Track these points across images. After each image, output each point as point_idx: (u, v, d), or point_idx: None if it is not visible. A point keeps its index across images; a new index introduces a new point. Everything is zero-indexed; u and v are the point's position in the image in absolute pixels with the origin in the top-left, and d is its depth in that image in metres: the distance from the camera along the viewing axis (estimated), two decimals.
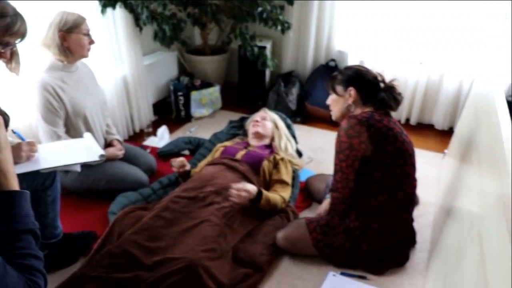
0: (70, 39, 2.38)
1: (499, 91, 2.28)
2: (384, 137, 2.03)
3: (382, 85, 2.19)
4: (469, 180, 1.99)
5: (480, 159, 1.90)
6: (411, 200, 2.21)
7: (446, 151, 3.29)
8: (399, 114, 3.95)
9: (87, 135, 2.17)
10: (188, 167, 2.64)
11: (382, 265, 2.19)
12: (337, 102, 2.24)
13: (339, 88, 2.22)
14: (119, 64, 3.36)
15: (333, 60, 4.09)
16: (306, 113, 3.96)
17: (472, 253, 1.40)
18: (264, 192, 2.35)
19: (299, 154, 3.10)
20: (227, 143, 2.88)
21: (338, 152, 2.11)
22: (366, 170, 2.07)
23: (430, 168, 3.22)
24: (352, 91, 2.17)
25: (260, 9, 3.58)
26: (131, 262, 1.96)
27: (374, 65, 3.82)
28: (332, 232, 2.18)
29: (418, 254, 2.36)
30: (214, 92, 3.99)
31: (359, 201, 2.15)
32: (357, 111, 2.17)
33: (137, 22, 3.36)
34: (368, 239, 2.14)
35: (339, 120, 2.23)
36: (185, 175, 2.66)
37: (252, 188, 2.29)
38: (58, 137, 2.37)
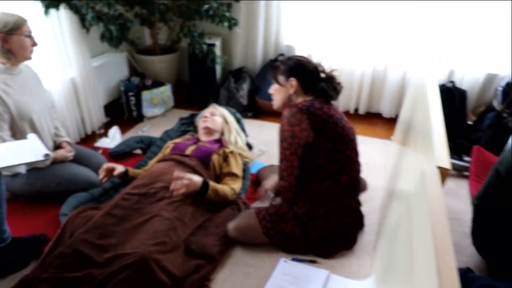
0: (12, 41, 2.36)
1: (432, 78, 2.40)
2: (325, 124, 2.10)
3: (322, 75, 2.26)
4: (407, 161, 2.08)
5: (416, 140, 2.00)
6: (356, 184, 2.30)
7: (392, 137, 3.41)
8: (348, 105, 4.06)
9: (31, 136, 2.15)
10: (118, 170, 2.56)
11: (331, 248, 2.26)
12: (279, 92, 2.31)
13: (281, 78, 2.28)
14: (67, 66, 3.33)
15: (282, 54, 4.16)
16: (257, 107, 4.02)
17: (404, 228, 1.48)
18: (211, 183, 2.39)
19: (249, 147, 3.15)
20: (178, 140, 2.90)
21: (282, 140, 2.17)
22: (310, 157, 2.14)
23: (378, 155, 3.33)
24: (293, 81, 2.23)
25: (206, 6, 3.61)
26: (83, 261, 1.95)
27: (322, 58, 3.91)
28: (281, 219, 2.24)
29: (366, 236, 2.45)
30: (165, 91, 4.00)
31: (305, 188, 2.21)
32: (299, 100, 2.23)
33: (83, 23, 3.33)
34: (316, 225, 2.21)
35: (281, 109, 2.29)
36: (125, 177, 2.63)
37: (195, 177, 2.32)
38: (3, 141, 2.34)
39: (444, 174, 1.29)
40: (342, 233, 2.28)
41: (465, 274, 2.09)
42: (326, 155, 2.14)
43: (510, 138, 2.86)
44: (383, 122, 3.97)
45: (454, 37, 3.63)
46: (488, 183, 2.18)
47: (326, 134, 2.11)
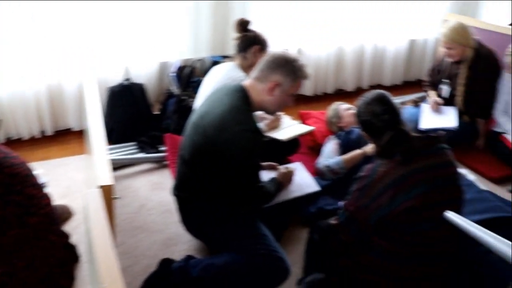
0: None
1: (90, 83, 2.38)
2: None
3: None
4: (90, 173, 2.00)
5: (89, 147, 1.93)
6: (50, 220, 2.08)
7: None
8: (30, 130, 3.62)
9: None
10: None
11: None
12: None
13: None
14: None
15: None
16: None
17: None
18: None
19: None
20: None
21: None
22: None
23: (76, 173, 3.13)
24: None
25: None
26: None
27: None
28: None
29: (85, 265, 2.28)
30: None
31: None
32: None
33: None
34: (18, 281, 1.92)
35: None
36: None
37: None
38: None
39: (107, 191, 1.22)
40: (54, 277, 2.05)
41: (186, 263, 2.14)
42: (2, 202, 1.86)
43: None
44: (75, 136, 3.68)
45: (126, 32, 3.62)
46: (178, 172, 2.25)
47: None
